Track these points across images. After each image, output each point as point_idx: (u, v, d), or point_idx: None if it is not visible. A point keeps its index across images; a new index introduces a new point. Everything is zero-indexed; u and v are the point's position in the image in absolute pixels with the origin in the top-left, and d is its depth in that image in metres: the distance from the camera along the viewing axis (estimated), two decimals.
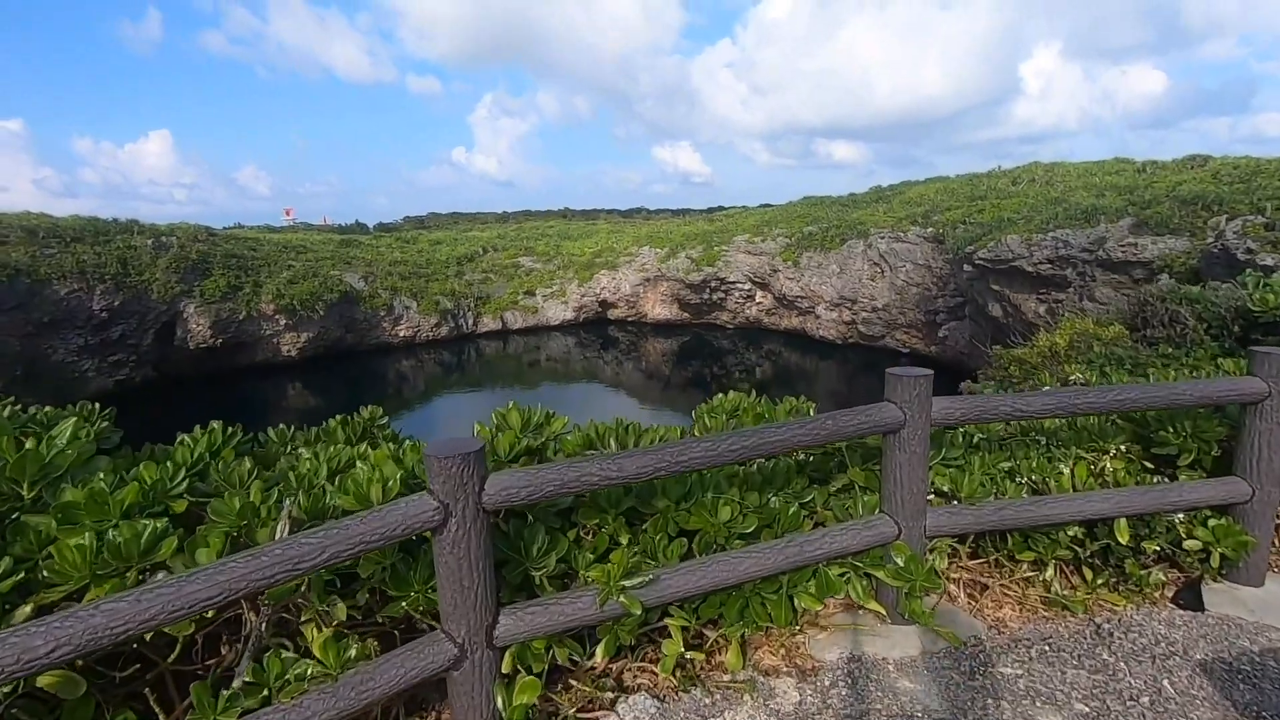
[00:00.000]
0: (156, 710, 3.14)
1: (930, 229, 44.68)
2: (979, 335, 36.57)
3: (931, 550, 4.69)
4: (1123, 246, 24.76)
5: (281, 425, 5.12)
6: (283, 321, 44.67)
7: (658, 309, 61.04)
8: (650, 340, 57.94)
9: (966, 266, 33.67)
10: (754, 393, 6.04)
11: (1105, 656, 4.29)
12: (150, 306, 39.19)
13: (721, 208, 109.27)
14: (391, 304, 52.08)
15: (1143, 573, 4.90)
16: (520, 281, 61.57)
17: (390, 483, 3.49)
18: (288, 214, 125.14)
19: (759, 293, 56.08)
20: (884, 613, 4.47)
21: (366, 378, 47.33)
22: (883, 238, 47.48)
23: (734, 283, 55.99)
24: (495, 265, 63.31)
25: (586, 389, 45.97)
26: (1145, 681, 4.05)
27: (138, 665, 3.20)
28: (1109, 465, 5.12)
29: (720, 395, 5.76)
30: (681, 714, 3.74)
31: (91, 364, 36.66)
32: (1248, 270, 7.77)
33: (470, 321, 56.95)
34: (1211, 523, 4.89)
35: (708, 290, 57.27)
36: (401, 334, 52.76)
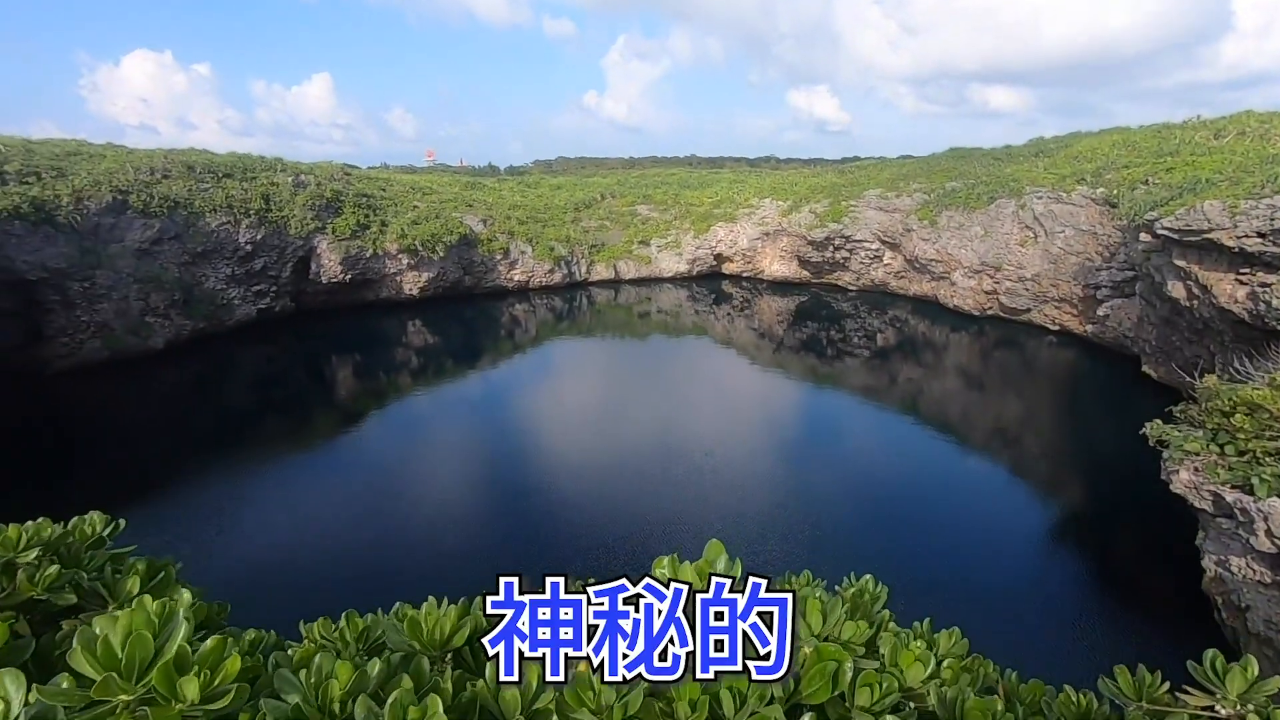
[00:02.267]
0: None
1: (1100, 189, 38.70)
2: (1150, 318, 31.43)
3: None
4: None
5: None
6: (405, 261, 46.33)
7: (775, 266, 58.03)
8: (765, 298, 55.34)
9: (1144, 236, 28.66)
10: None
11: None
12: (288, 241, 41.69)
13: (857, 158, 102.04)
14: (508, 248, 52.73)
15: None
16: (636, 230, 60.45)
17: None
18: (429, 156, 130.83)
19: (888, 253, 51.68)
20: None
21: (481, 319, 48.51)
22: (1039, 197, 41.79)
23: (860, 241, 51.87)
24: (612, 212, 62.47)
25: (696, 344, 44.60)
26: None
27: None
28: None
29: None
30: None
31: (238, 293, 39.70)
32: None
33: (583, 269, 56.78)
34: None
35: (831, 248, 53.52)
36: (516, 279, 53.49)
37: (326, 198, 43.84)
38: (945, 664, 2.44)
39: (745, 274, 59.95)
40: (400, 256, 46.02)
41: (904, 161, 66.29)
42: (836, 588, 3.24)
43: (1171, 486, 9.20)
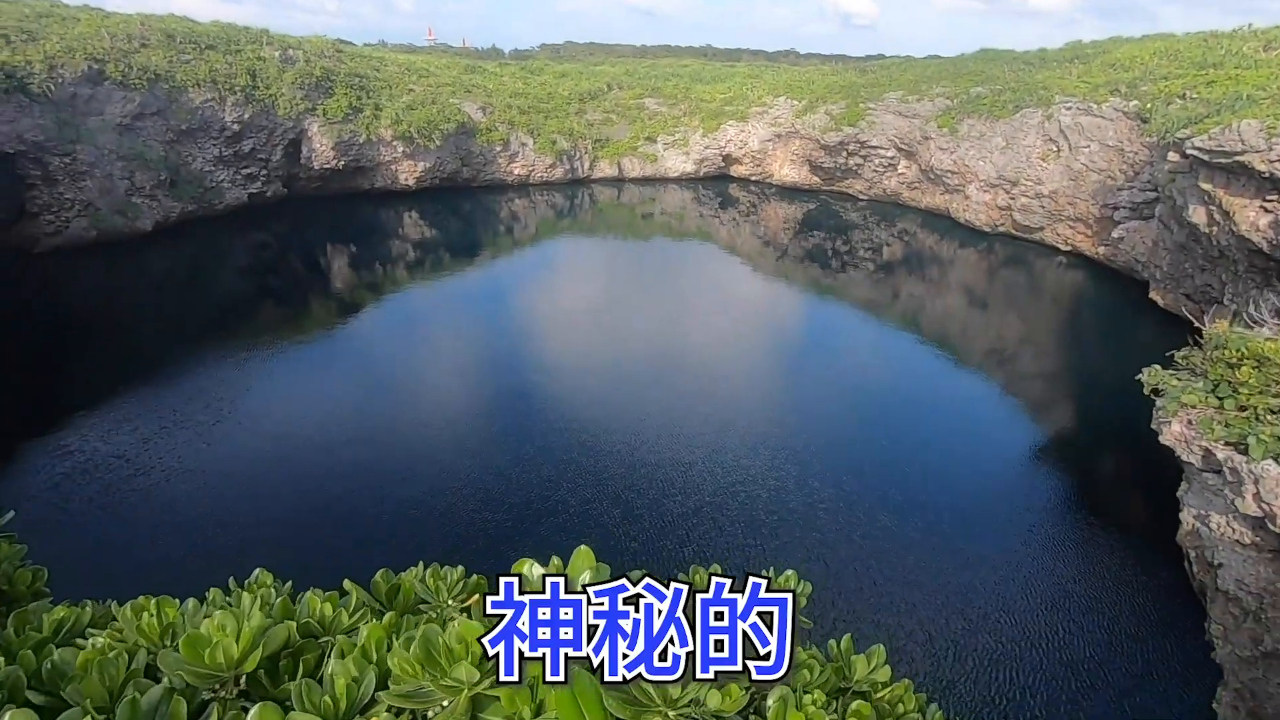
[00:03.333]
0: None
1: (1134, 102, 36.61)
2: (1165, 243, 30.53)
3: None
4: None
5: None
6: (400, 149, 44.49)
7: (785, 170, 55.92)
8: (773, 203, 53.72)
9: (1172, 155, 27.32)
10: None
11: None
12: (277, 122, 39.83)
13: (882, 56, 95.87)
14: (508, 139, 50.54)
15: None
16: (642, 126, 57.76)
17: None
18: (429, 34, 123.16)
19: (902, 162, 49.65)
20: None
21: (479, 213, 47.24)
22: (1068, 108, 39.62)
23: (875, 148, 49.69)
24: (619, 105, 59.44)
25: (698, 249, 43.71)
26: None
27: None
28: None
29: None
30: None
31: (226, 175, 38.34)
32: None
33: (586, 165, 54.72)
34: None
35: (844, 154, 51.35)
36: (516, 172, 51.64)
37: (316, 76, 41.49)
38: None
39: (754, 177, 57.88)
40: (395, 144, 44.14)
41: (930, 62, 62.34)
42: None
43: (1161, 438, 9.03)
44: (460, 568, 2.23)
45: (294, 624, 1.99)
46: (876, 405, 23.42)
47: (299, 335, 27.11)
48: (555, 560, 2.07)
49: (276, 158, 40.70)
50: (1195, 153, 24.68)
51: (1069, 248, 40.15)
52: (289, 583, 2.62)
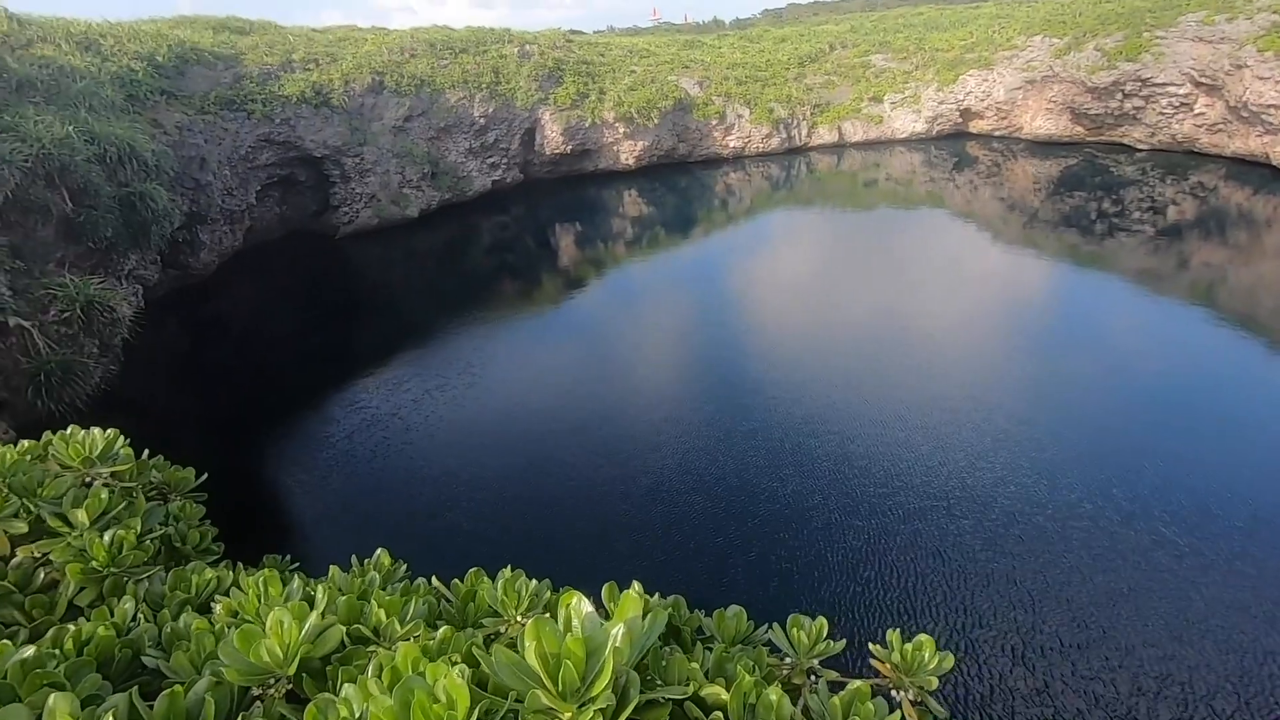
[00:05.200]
0: None
1: None
2: None
3: None
4: None
5: None
6: (621, 130, 46.47)
7: (1038, 121, 48.66)
8: (1020, 161, 47.17)
9: None
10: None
11: None
12: (515, 114, 43.77)
13: None
14: (724, 112, 50.30)
15: None
16: (866, 85, 53.91)
17: None
18: (654, 14, 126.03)
19: (1201, 99, 40.50)
20: None
21: (695, 188, 47.85)
22: None
23: (1163, 84, 41.12)
24: (841, 65, 56.06)
25: (927, 217, 39.97)
26: None
27: None
28: None
29: None
30: None
31: (475, 165, 43.15)
32: None
33: (803, 132, 52.59)
34: None
35: (1119, 96, 43.24)
36: (731, 145, 51.29)
37: (549, 67, 44.76)
38: None
39: (997, 132, 51.26)
40: (617, 125, 46.21)
41: None
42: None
43: None
44: (538, 581, 2.13)
45: (344, 628, 2.04)
46: (1149, 400, 19.67)
47: (533, 307, 29.86)
48: (608, 586, 1.92)
49: (515, 146, 44.82)
50: None
51: None
52: (404, 565, 2.77)
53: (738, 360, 23.23)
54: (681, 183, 48.43)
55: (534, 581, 2.19)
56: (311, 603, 2.22)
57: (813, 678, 2.43)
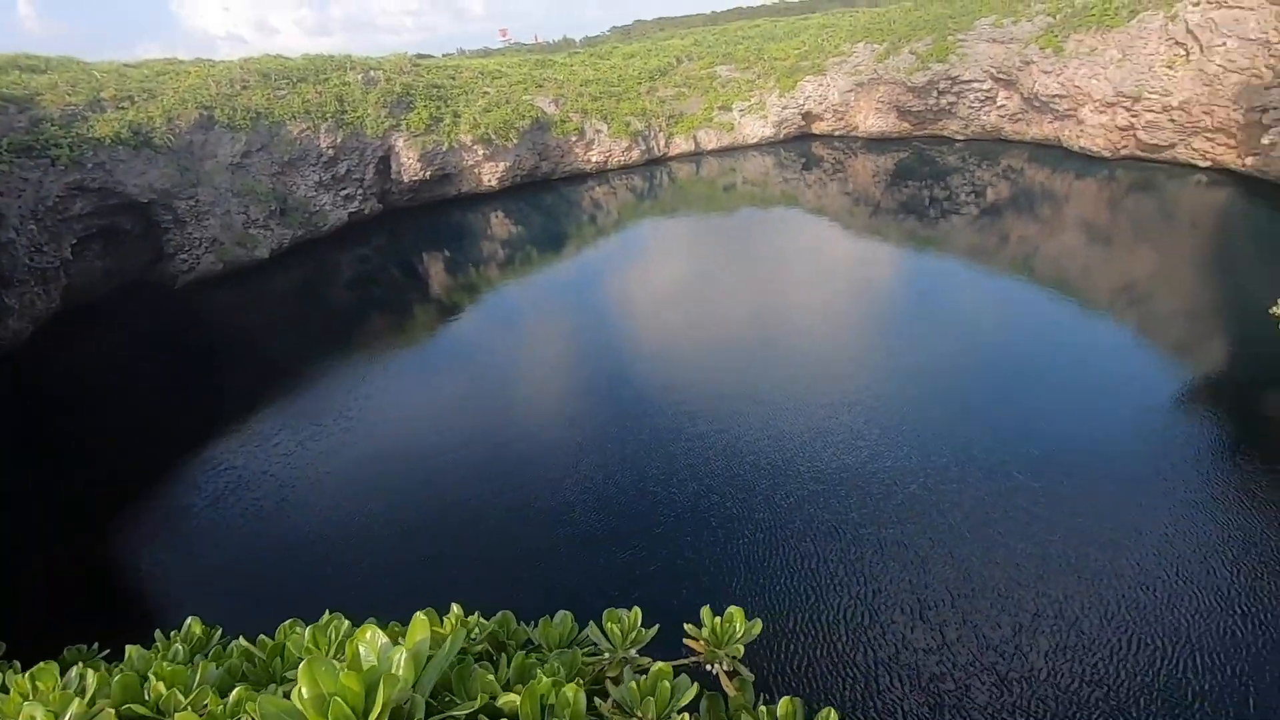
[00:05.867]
0: None
1: None
2: None
3: None
4: None
5: None
6: (480, 152, 45.77)
7: (870, 120, 52.97)
8: (860, 157, 51.08)
9: None
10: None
11: None
12: (366, 143, 41.97)
13: None
14: (582, 128, 50.83)
15: None
16: (715, 95, 56.42)
17: None
18: (502, 34, 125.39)
19: (1001, 93, 45.73)
20: None
21: (561, 205, 47.92)
22: (1195, 4, 34.95)
23: (969, 82, 46.05)
24: (690, 77, 58.33)
25: (784, 215, 42.29)
26: None
27: None
28: None
29: None
30: None
31: (328, 199, 40.90)
32: None
33: (661, 143, 54.16)
34: None
35: (935, 93, 47.96)
36: (593, 159, 51.90)
37: (397, 93, 43.32)
38: None
39: (837, 132, 55.27)
40: (475, 147, 45.46)
41: None
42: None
43: None
44: (351, 623, 2.03)
45: (115, 710, 1.90)
46: (995, 361, 21.82)
47: (407, 341, 28.61)
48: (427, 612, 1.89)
49: (369, 176, 42.94)
50: None
51: (1209, 163, 35.66)
52: (219, 630, 2.55)
53: (624, 372, 23.42)
54: (547, 200, 48.38)
55: (346, 623, 2.07)
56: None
57: (628, 668, 2.50)
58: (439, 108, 44.92)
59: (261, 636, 2.35)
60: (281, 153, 38.29)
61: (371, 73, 43.93)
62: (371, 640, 1.73)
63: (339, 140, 40.57)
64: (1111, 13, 39.23)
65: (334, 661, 1.62)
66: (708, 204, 46.28)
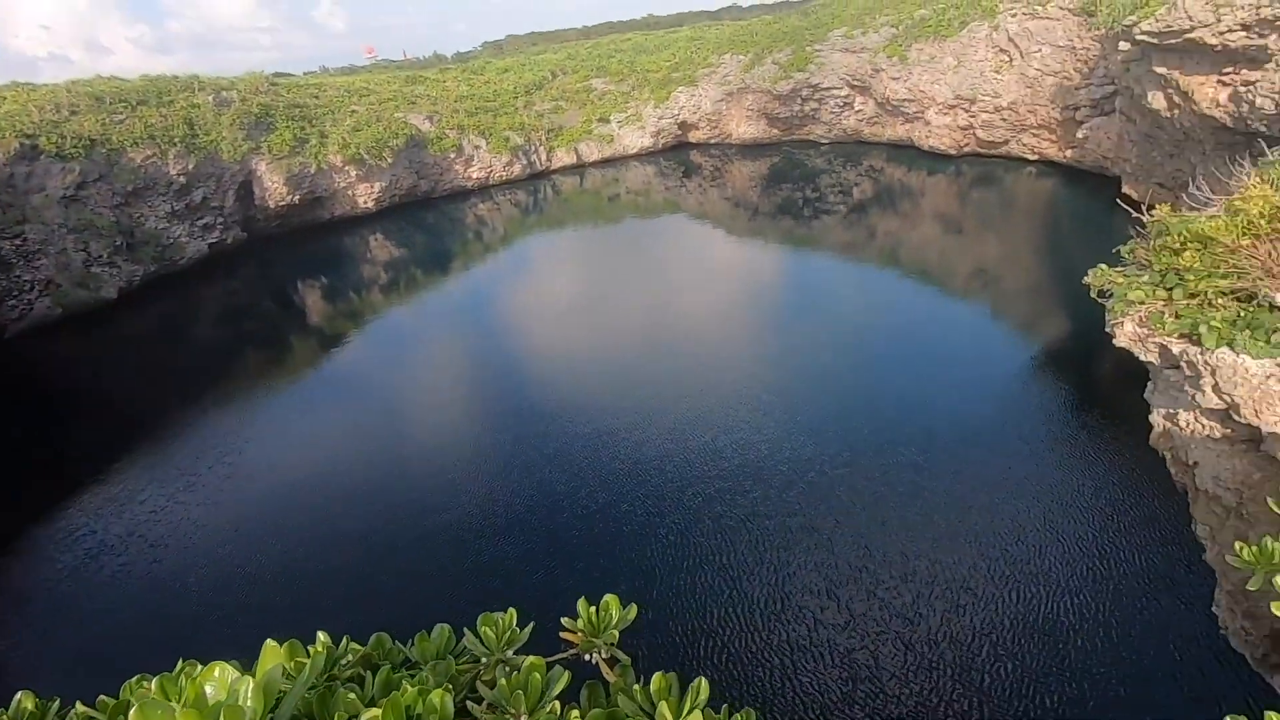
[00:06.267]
0: None
1: None
2: (1130, 135, 30.28)
3: None
4: None
5: None
6: (353, 173, 43.81)
7: (743, 127, 55.33)
8: (736, 163, 53.18)
9: (1123, 44, 26.94)
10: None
11: None
12: (223, 168, 39.11)
13: None
14: (460, 144, 49.80)
15: None
16: (593, 107, 56.97)
17: None
18: (368, 52, 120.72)
19: (858, 99, 49.11)
20: None
21: (444, 223, 46.67)
22: (1013, 15, 39.10)
23: (829, 89, 49.13)
24: (566, 91, 58.59)
25: (670, 222, 43.28)
26: None
27: None
28: None
29: None
30: None
31: (183, 229, 37.69)
32: None
33: (543, 157, 54.02)
34: None
35: (798, 101, 50.79)
36: (475, 176, 50.97)
37: (255, 114, 40.67)
38: None
39: (713, 140, 57.30)
40: (347, 168, 43.45)
41: None
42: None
43: (1116, 341, 8.80)
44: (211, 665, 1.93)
45: None
46: (873, 348, 23.31)
47: (290, 376, 26.82)
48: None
49: (230, 203, 40.01)
50: (1145, 38, 24.33)
51: (1037, 156, 39.87)
52: (57, 702, 2.37)
53: (522, 388, 23.10)
54: (429, 219, 47.00)
55: (200, 667, 1.97)
56: None
57: (502, 668, 2.54)
58: (303, 128, 42.59)
59: (102, 697, 2.14)
60: (124, 182, 34.92)
61: (224, 93, 41.01)
62: (220, 678, 1.65)
63: (191, 166, 37.54)
64: (945, 24, 43.12)
65: (171, 704, 1.54)
66: (594, 215, 46.59)
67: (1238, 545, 2.89)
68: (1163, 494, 13.96)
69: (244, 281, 38.30)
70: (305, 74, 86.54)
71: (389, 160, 44.93)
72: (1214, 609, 9.95)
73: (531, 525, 15.92)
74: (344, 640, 2.70)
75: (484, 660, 2.58)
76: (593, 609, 2.76)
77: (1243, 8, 21.32)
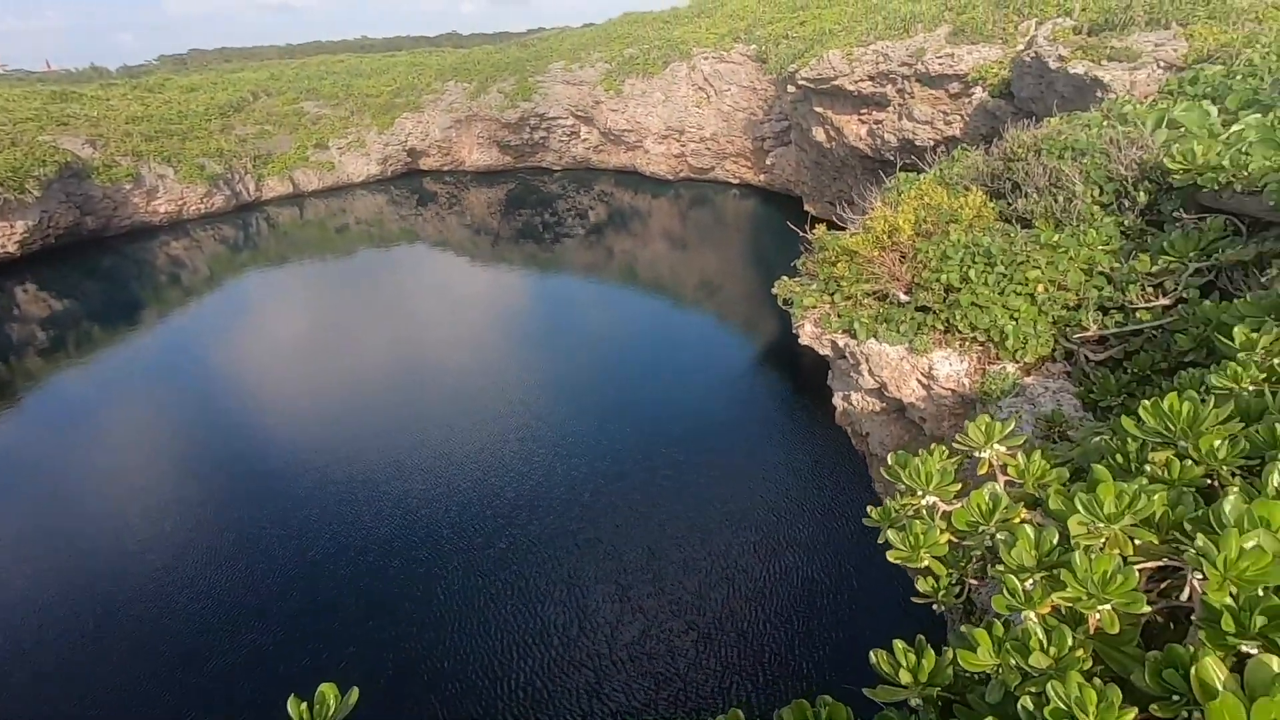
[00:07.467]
0: None
1: (753, 45, 42.12)
2: (804, 162, 36.03)
3: None
4: (940, 58, 24.04)
5: None
6: None
7: (475, 154, 55.02)
8: (472, 190, 52.64)
9: (790, 87, 32.05)
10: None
11: None
12: None
13: (542, 29, 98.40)
14: (138, 173, 42.30)
15: None
16: (307, 132, 52.30)
17: None
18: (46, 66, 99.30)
19: (583, 128, 51.75)
20: None
21: (127, 266, 39.21)
22: (706, 58, 44.34)
23: (555, 118, 51.04)
24: (273, 114, 53.03)
25: (408, 252, 41.27)
26: None
27: None
28: None
29: None
30: None
31: None
32: (1118, 99, 6.41)
33: (251, 187, 48.18)
34: None
35: (528, 129, 51.97)
36: (162, 210, 43.64)
37: None
38: None
39: (445, 168, 56.06)
40: None
41: (585, 30, 65.36)
42: None
43: (800, 340, 10.60)
44: None
45: None
46: (624, 361, 24.54)
47: None
48: None
49: None
50: (804, 82, 29.20)
51: (738, 180, 45.53)
52: None
53: (248, 453, 20.21)
54: (105, 263, 39.20)
55: None
56: None
57: None
58: None
59: None
60: None
61: None
62: None
63: None
64: (651, 62, 47.38)
65: None
66: (321, 247, 42.72)
67: (869, 508, 3.49)
68: (856, 460, 16.72)
69: None
70: None
71: (36, 193, 36.49)
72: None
73: (294, 603, 13.91)
74: None
75: None
76: (303, 705, 2.43)
77: (867, 61, 26.65)
